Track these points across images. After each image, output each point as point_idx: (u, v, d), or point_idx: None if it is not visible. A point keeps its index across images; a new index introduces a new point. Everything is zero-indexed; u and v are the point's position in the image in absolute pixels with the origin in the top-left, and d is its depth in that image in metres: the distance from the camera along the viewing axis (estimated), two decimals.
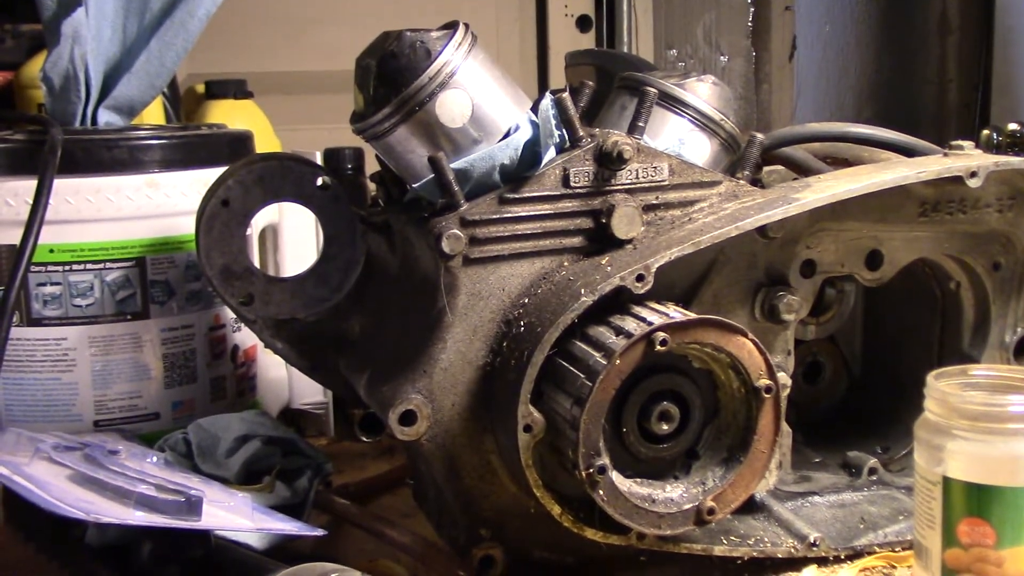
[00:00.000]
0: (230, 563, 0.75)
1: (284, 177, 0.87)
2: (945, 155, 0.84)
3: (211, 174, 0.90)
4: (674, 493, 0.73)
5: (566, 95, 0.74)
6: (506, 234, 0.74)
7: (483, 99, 0.74)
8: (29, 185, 0.91)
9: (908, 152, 0.90)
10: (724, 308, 0.78)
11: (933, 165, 0.80)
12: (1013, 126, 1.68)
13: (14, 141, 0.99)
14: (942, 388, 0.70)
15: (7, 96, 1.57)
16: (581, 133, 0.74)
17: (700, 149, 0.82)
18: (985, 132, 1.69)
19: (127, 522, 0.71)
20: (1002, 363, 0.87)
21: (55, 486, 0.75)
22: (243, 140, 1.08)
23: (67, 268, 0.94)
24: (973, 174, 0.79)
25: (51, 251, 0.94)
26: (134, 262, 0.96)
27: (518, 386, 0.70)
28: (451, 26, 0.75)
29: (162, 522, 0.71)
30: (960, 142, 0.84)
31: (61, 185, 0.92)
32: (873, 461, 0.87)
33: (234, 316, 1.00)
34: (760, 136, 0.83)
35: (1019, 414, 0.67)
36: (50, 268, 0.94)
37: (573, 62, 1.19)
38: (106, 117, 1.05)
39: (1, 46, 1.61)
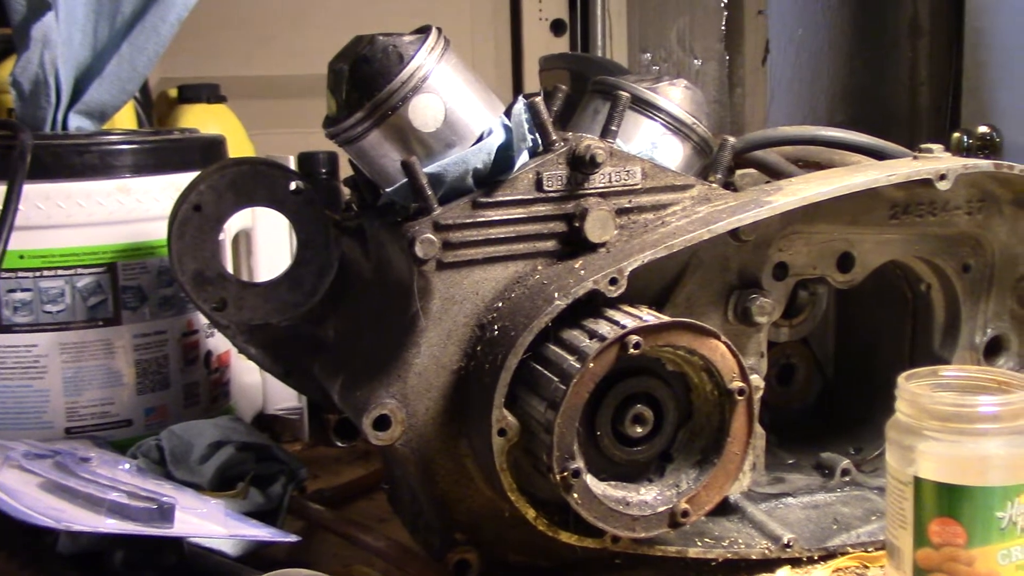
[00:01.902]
0: (204, 570, 0.75)
1: (257, 182, 0.87)
2: (915, 158, 0.84)
3: (183, 179, 0.89)
4: (648, 496, 0.73)
5: (539, 99, 0.74)
6: (480, 238, 0.74)
7: (456, 103, 0.74)
8: None
9: (878, 155, 0.91)
10: (697, 311, 0.79)
11: (903, 168, 0.81)
12: (983, 129, 1.69)
13: None
14: (913, 389, 0.70)
15: None
16: (554, 137, 0.75)
17: (673, 153, 0.82)
18: (956, 135, 1.71)
19: (99, 530, 0.71)
20: (972, 364, 0.88)
21: (25, 494, 0.74)
22: (216, 145, 1.07)
23: (37, 274, 0.94)
24: (942, 177, 0.80)
25: (21, 257, 0.93)
26: (105, 268, 0.95)
27: (492, 390, 0.70)
28: (424, 30, 0.75)
29: (134, 529, 0.71)
30: (929, 145, 0.85)
31: (31, 190, 0.91)
32: (846, 462, 0.88)
33: (207, 321, 1.00)
34: (732, 139, 0.84)
35: (988, 415, 0.68)
36: (20, 274, 0.93)
37: (547, 66, 1.19)
38: (77, 122, 1.04)
39: None
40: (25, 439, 0.90)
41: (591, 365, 0.67)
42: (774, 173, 0.92)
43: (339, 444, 1.09)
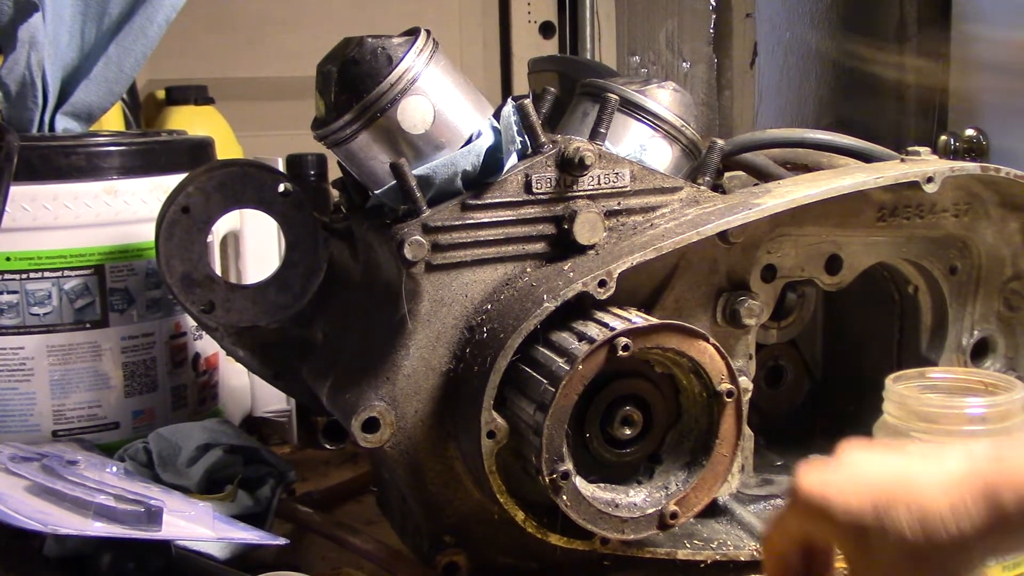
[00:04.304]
0: (191, 573, 0.75)
1: (245, 183, 0.86)
2: (902, 161, 0.85)
3: (171, 181, 0.89)
4: (637, 498, 0.73)
5: (528, 101, 0.75)
6: (469, 240, 0.74)
7: (445, 105, 0.74)
8: None
9: (866, 158, 0.91)
10: (686, 313, 0.79)
11: (890, 171, 0.81)
12: (970, 132, 1.70)
13: None
14: (900, 391, 0.71)
15: None
16: (543, 139, 0.75)
17: (661, 155, 0.82)
18: (943, 138, 1.71)
19: (86, 533, 0.71)
20: (959, 366, 0.89)
21: (12, 497, 0.73)
22: (204, 146, 1.07)
23: (24, 276, 0.93)
24: (929, 179, 0.81)
25: (8, 259, 0.93)
26: (93, 270, 0.95)
27: (481, 392, 0.70)
28: (413, 32, 0.75)
29: (122, 533, 0.70)
30: (917, 148, 0.85)
31: (18, 192, 0.91)
32: None
33: (195, 324, 0.99)
34: (720, 142, 0.84)
35: (975, 416, 0.68)
36: (7, 276, 0.93)
37: (536, 68, 1.19)
38: (64, 123, 1.04)
39: None
40: (11, 442, 0.90)
41: (580, 367, 0.67)
42: (762, 175, 0.92)
43: (327, 446, 1.09)
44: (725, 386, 0.72)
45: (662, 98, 0.83)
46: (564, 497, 0.69)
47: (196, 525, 0.76)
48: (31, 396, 0.94)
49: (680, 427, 0.75)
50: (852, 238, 0.85)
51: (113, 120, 1.33)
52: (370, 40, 0.73)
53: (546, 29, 2.05)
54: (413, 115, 0.73)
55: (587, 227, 0.75)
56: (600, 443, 0.73)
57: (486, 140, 0.74)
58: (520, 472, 0.73)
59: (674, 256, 0.77)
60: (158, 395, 0.99)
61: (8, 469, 0.80)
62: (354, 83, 0.73)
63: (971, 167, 0.83)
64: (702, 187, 0.80)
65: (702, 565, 0.79)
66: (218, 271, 0.98)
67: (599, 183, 0.76)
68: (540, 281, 0.73)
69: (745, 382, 0.80)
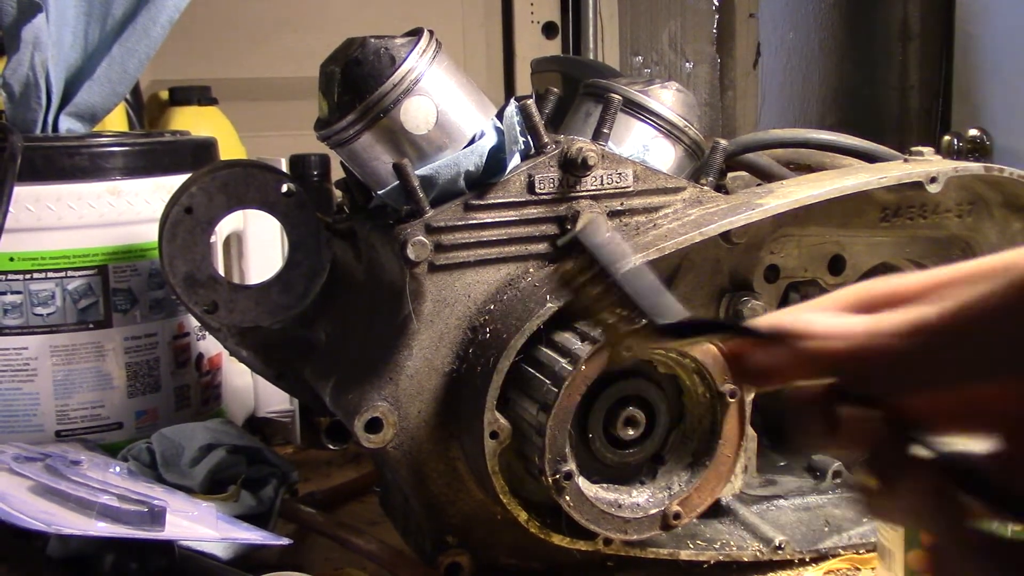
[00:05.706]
0: (194, 573, 0.75)
1: (248, 184, 0.86)
2: (905, 161, 0.85)
3: (174, 181, 0.89)
4: (640, 498, 0.73)
5: (531, 102, 0.74)
6: (472, 240, 0.74)
7: (448, 106, 0.74)
8: None
9: (869, 158, 0.91)
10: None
11: (894, 171, 0.81)
12: (973, 132, 1.70)
13: None
14: None
15: None
16: (546, 140, 0.75)
17: (664, 155, 0.82)
18: (946, 138, 1.71)
19: (89, 533, 0.71)
20: None
21: (16, 497, 0.74)
22: (207, 147, 1.07)
23: (28, 276, 0.93)
24: (933, 180, 0.80)
25: (11, 259, 0.93)
26: (96, 270, 0.95)
27: (484, 392, 0.70)
28: (416, 33, 0.75)
29: (125, 533, 0.71)
30: (920, 148, 0.85)
31: (21, 192, 0.91)
32: (837, 464, 0.88)
33: (198, 324, 1.00)
34: (723, 142, 0.84)
35: None
36: (10, 277, 0.93)
37: (539, 69, 1.19)
38: (67, 124, 1.04)
39: None
40: (15, 442, 0.90)
41: (583, 368, 0.67)
42: (765, 176, 0.92)
43: (330, 447, 1.09)
44: (728, 386, 0.72)
45: (665, 98, 0.83)
46: (567, 497, 0.69)
47: (199, 525, 0.76)
48: (35, 396, 0.94)
49: (683, 428, 0.75)
50: (855, 238, 0.84)
51: (116, 121, 1.33)
52: (373, 40, 0.73)
53: (549, 29, 2.05)
54: (416, 115, 0.73)
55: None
56: (603, 444, 0.73)
57: (489, 140, 0.74)
58: (523, 472, 0.73)
59: (677, 256, 0.77)
60: (161, 395, 0.99)
61: (12, 469, 0.80)
62: (357, 83, 0.73)
63: (975, 167, 0.83)
64: (705, 187, 0.80)
65: (705, 566, 0.79)
66: (221, 271, 0.98)
67: (602, 183, 0.76)
68: (543, 282, 0.73)
69: None
